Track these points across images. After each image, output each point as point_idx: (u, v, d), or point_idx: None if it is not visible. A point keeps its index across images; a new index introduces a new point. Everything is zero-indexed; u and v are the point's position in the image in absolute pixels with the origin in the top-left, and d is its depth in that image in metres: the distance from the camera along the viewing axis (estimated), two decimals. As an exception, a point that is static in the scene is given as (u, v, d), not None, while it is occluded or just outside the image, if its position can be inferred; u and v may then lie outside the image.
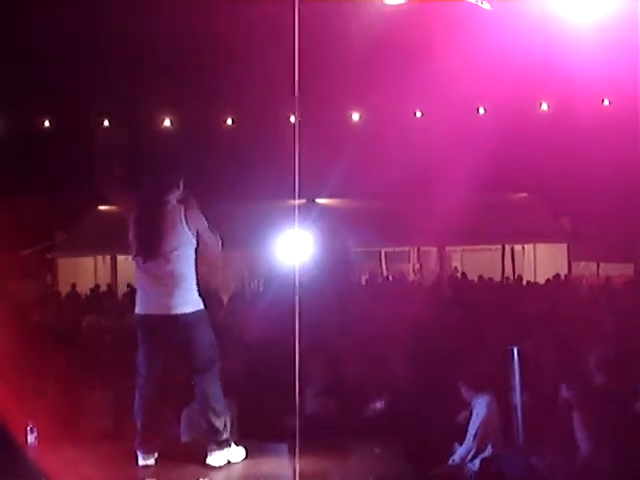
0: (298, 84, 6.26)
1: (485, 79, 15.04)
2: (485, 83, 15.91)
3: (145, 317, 5.07)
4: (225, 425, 5.06)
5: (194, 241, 5.04)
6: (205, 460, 4.99)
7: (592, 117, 18.18)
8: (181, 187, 5.13)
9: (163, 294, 4.95)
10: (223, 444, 5.01)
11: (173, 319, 4.96)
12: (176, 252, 4.96)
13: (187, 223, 4.98)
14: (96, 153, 5.21)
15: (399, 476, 4.98)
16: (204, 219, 5.10)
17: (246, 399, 7.78)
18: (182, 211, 5.00)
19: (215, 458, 4.98)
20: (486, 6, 5.54)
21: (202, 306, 5.14)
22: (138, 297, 5.13)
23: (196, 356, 5.07)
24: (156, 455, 5.08)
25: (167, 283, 4.95)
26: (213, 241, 5.19)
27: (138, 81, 17.65)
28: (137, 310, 5.13)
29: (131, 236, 5.07)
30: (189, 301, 5.02)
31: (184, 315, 4.98)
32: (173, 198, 5.05)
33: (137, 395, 5.26)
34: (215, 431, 5.01)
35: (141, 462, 5.05)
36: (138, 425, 5.16)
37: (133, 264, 5.14)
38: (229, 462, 5.02)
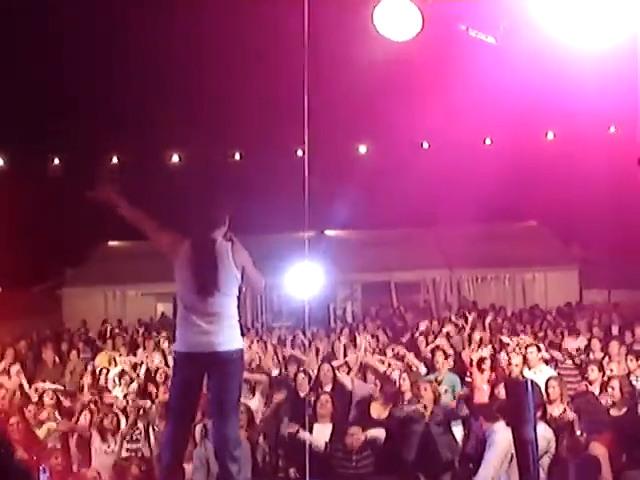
0: (307, 118, 6.32)
1: (491, 110, 15.12)
2: (491, 114, 15.99)
3: (188, 355, 5.00)
4: (239, 470, 5.00)
5: (240, 277, 5.01)
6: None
7: (598, 144, 18.22)
8: (227, 224, 5.12)
9: (208, 331, 4.91)
10: None
11: (216, 356, 4.92)
12: (224, 289, 4.94)
13: (234, 260, 4.97)
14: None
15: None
16: (249, 256, 5.10)
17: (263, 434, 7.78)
18: (230, 248, 5.00)
19: None
20: (491, 40, 5.59)
21: (242, 344, 5.13)
22: (180, 334, 5.07)
23: (226, 397, 5.02)
24: None
25: (213, 320, 4.92)
26: (257, 278, 5.20)
27: (146, 116, 17.80)
28: (178, 348, 5.08)
29: (178, 275, 5.02)
30: (233, 339, 5.01)
31: (227, 352, 4.94)
32: (219, 235, 5.04)
33: (168, 429, 5.23)
34: (229, 475, 4.95)
35: None
36: (166, 461, 5.12)
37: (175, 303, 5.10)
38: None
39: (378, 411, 7.91)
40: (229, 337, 4.97)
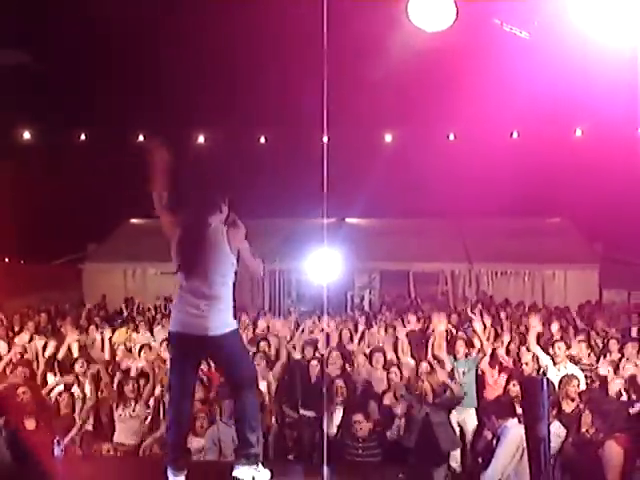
0: (327, 106, 6.31)
1: (519, 104, 15.01)
2: (519, 108, 15.87)
3: (179, 335, 5.04)
4: (257, 440, 5.08)
5: (234, 261, 5.02)
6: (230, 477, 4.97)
7: (627, 143, 18.03)
8: (225, 209, 5.12)
9: (199, 315, 4.92)
10: (252, 459, 5.02)
11: (207, 340, 4.94)
12: (216, 273, 4.96)
13: (229, 244, 4.98)
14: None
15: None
16: (246, 241, 5.09)
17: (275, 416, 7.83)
18: (224, 231, 5.01)
19: (242, 472, 4.98)
20: (524, 35, 5.54)
21: (236, 326, 5.14)
22: (173, 314, 5.13)
23: (234, 373, 5.10)
24: (186, 472, 5.06)
25: (204, 304, 4.93)
26: (254, 262, 5.20)
27: (173, 97, 17.86)
28: (171, 328, 5.13)
29: (173, 256, 5.07)
30: (224, 323, 4.99)
31: (217, 337, 4.94)
32: (216, 219, 5.05)
33: (169, 412, 5.28)
34: (248, 445, 5.01)
35: (172, 479, 5.01)
36: (170, 441, 5.15)
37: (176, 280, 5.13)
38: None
39: (392, 400, 7.97)
40: (220, 321, 4.97)
